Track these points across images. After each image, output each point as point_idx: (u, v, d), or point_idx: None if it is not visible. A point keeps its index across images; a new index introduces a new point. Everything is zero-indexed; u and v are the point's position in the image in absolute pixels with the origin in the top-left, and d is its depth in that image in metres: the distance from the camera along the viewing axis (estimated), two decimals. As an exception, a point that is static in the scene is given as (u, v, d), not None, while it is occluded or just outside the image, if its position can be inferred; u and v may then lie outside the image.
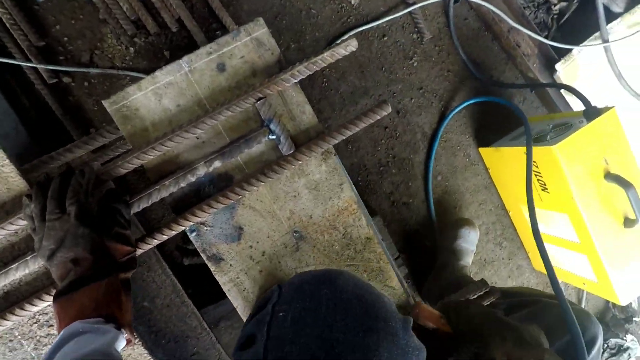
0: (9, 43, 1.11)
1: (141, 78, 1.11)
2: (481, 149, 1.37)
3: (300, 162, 0.83)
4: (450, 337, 0.67)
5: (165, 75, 0.80)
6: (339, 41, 1.14)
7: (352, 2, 1.26)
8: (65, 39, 1.15)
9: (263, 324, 0.51)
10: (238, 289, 0.86)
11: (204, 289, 1.24)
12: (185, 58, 0.80)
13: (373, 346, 0.47)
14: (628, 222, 1.10)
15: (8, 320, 0.74)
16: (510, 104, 1.31)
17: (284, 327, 0.48)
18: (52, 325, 0.79)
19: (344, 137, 0.84)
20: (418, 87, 1.33)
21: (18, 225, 0.73)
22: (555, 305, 0.88)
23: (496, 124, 1.36)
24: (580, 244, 1.17)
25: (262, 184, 0.81)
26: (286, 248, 0.87)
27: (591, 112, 1.10)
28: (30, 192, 0.71)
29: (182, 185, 0.79)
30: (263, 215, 0.85)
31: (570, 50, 1.29)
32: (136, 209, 0.78)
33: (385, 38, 1.30)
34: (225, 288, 0.85)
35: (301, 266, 0.88)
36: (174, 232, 0.79)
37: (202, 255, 0.84)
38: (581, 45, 1.27)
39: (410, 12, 1.29)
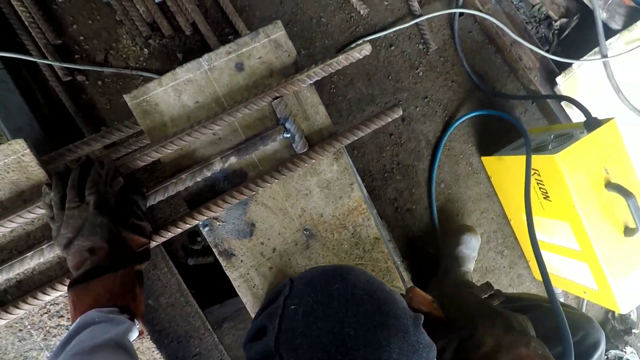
0: (27, 40, 1.14)
1: (154, 79, 1.14)
2: (483, 158, 1.40)
3: (313, 161, 0.85)
4: (442, 322, 0.67)
5: (186, 73, 0.82)
6: (352, 45, 1.18)
7: (361, 12, 1.31)
8: (82, 38, 1.18)
9: (275, 316, 0.51)
10: (248, 285, 0.86)
11: (207, 289, 1.24)
12: (206, 56, 0.82)
13: (384, 342, 0.48)
14: (628, 231, 1.12)
15: (20, 309, 0.74)
16: (511, 118, 1.35)
17: (295, 320, 0.49)
18: (62, 316, 0.79)
19: (356, 138, 0.87)
20: (423, 96, 1.37)
21: (35, 214, 0.74)
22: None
23: (498, 133, 1.40)
24: (582, 252, 1.19)
25: (276, 181, 0.83)
26: (297, 245, 0.88)
27: (592, 123, 1.13)
28: (50, 182, 0.73)
29: (198, 179, 0.80)
30: (275, 213, 0.87)
31: (571, 64, 1.33)
32: (152, 201, 0.79)
33: (393, 48, 1.34)
34: (235, 284, 0.86)
35: (311, 264, 0.89)
36: (188, 225, 0.80)
37: (214, 250, 0.85)
38: (581, 59, 1.31)
39: (417, 24, 1.34)
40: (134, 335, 0.69)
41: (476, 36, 1.40)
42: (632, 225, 1.12)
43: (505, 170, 1.35)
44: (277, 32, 0.85)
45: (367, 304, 0.51)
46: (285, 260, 0.88)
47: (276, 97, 0.82)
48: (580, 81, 1.35)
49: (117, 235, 0.71)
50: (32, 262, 0.75)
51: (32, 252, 0.75)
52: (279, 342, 0.48)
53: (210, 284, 1.27)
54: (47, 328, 0.79)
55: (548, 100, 1.38)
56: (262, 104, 0.82)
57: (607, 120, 1.12)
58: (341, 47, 1.29)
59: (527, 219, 0.99)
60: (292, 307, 0.51)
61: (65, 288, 0.76)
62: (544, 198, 1.22)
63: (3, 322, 0.74)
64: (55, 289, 0.75)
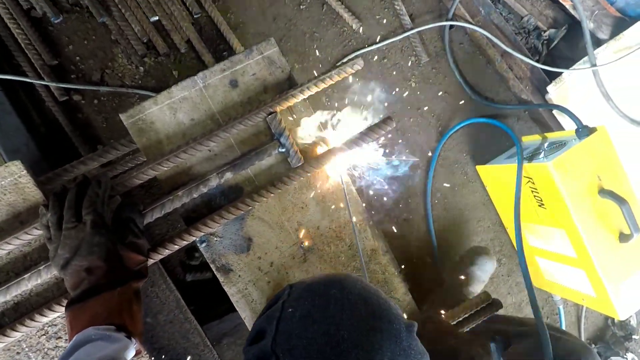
0: (23, 62, 1.15)
1: (150, 96, 1.15)
2: (478, 167, 1.42)
3: (309, 175, 0.86)
4: None
5: (181, 91, 0.83)
6: (344, 60, 1.20)
7: (354, 27, 1.33)
8: (78, 58, 1.19)
9: (273, 319, 0.53)
10: (246, 300, 0.86)
11: (206, 305, 1.24)
12: (200, 74, 0.83)
13: (376, 345, 0.50)
14: (623, 237, 1.13)
15: (17, 332, 0.74)
16: (502, 125, 1.36)
17: (292, 322, 0.50)
18: (60, 338, 0.79)
19: (352, 151, 0.88)
20: (416, 107, 1.38)
21: (32, 235, 0.74)
22: (559, 339, 0.90)
23: (492, 142, 1.41)
24: (578, 258, 1.20)
25: (272, 195, 0.84)
26: (294, 259, 0.88)
27: (583, 131, 1.15)
28: (47, 202, 0.73)
29: (195, 195, 0.81)
30: (272, 227, 0.87)
31: (561, 73, 1.36)
32: (149, 219, 0.79)
33: (385, 60, 1.36)
34: (233, 299, 0.86)
35: (308, 277, 0.89)
36: (185, 242, 0.80)
37: (211, 265, 0.85)
38: (571, 69, 1.33)
39: (408, 37, 1.36)
40: (130, 353, 0.68)
41: (467, 47, 1.42)
42: (626, 231, 1.12)
43: (499, 178, 1.36)
44: (271, 49, 0.86)
45: (361, 309, 0.52)
46: (283, 274, 0.88)
47: (270, 113, 0.83)
48: (571, 90, 1.37)
49: (115, 254, 0.71)
50: (29, 284, 0.75)
51: (29, 274, 0.75)
52: (275, 343, 0.50)
53: (208, 299, 1.26)
54: (45, 350, 0.78)
55: (540, 109, 1.40)
56: (256, 120, 0.83)
57: (598, 127, 1.14)
58: (335, 60, 1.31)
59: (515, 227, 1.01)
60: (290, 310, 0.52)
61: (63, 309, 0.75)
62: (539, 206, 1.23)
63: (1, 345, 0.73)
64: (53, 310, 0.75)
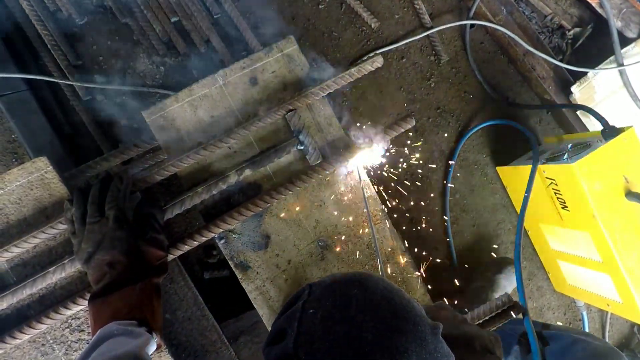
0: (49, 62, 1.18)
1: (169, 95, 1.16)
2: (499, 168, 1.39)
3: (327, 172, 0.85)
4: None
5: (201, 88, 0.84)
6: (364, 58, 1.19)
7: (372, 26, 1.32)
8: (101, 58, 1.22)
9: (293, 319, 0.51)
10: (264, 297, 0.87)
11: (223, 302, 1.24)
12: (221, 72, 0.84)
13: (401, 348, 0.47)
14: (651, 241, 1.09)
15: (43, 324, 0.75)
16: (519, 126, 1.33)
17: (313, 324, 0.49)
18: (83, 330, 0.80)
19: (371, 148, 0.87)
20: (435, 107, 1.37)
21: (57, 230, 0.76)
22: (583, 341, 0.90)
23: (513, 143, 1.38)
24: (603, 263, 1.16)
25: (290, 193, 0.84)
26: (312, 257, 0.88)
27: (609, 132, 1.12)
28: (72, 198, 0.74)
29: (214, 192, 0.81)
30: (289, 224, 0.87)
31: (586, 73, 1.32)
32: (169, 215, 0.80)
33: (404, 60, 1.35)
34: (251, 296, 0.86)
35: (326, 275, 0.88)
36: (204, 238, 0.81)
37: (229, 262, 0.86)
38: (596, 68, 1.30)
39: (428, 36, 1.35)
40: (152, 348, 0.69)
41: (488, 47, 1.40)
42: (656, 234, 1.09)
43: (521, 180, 1.33)
44: (290, 46, 0.87)
45: (384, 310, 0.50)
46: (301, 272, 0.88)
47: (290, 110, 0.83)
48: (596, 90, 1.34)
49: (136, 249, 0.72)
50: (54, 277, 0.77)
51: (54, 267, 0.76)
52: (297, 345, 0.48)
53: (226, 297, 1.27)
54: (69, 342, 0.80)
55: (563, 109, 1.36)
56: (276, 117, 0.83)
57: (626, 128, 1.10)
58: (353, 60, 1.31)
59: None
60: (311, 310, 0.51)
61: (86, 302, 0.77)
62: (562, 208, 1.20)
63: (27, 337, 0.75)
64: (77, 303, 0.76)
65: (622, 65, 1.29)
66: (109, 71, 1.23)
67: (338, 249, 0.88)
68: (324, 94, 0.85)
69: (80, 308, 0.77)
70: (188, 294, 1.12)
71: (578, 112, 1.37)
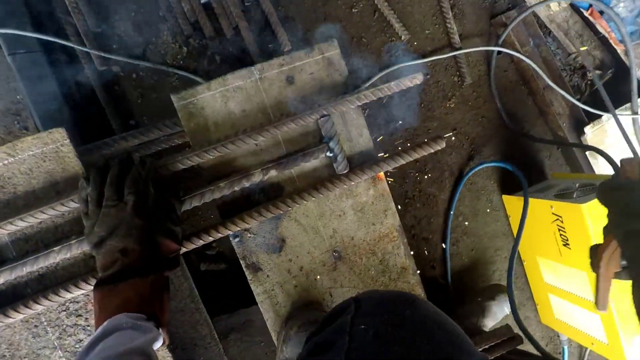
0: (67, 25, 1.12)
1: (190, 78, 1.12)
2: (505, 197, 1.40)
3: (352, 183, 0.84)
4: None
5: (236, 79, 0.81)
6: (391, 69, 1.18)
7: (402, 37, 1.31)
8: (122, 29, 1.17)
9: (343, 332, 0.49)
10: (271, 302, 0.84)
11: (216, 296, 1.21)
12: (258, 66, 0.81)
13: None
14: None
15: (40, 305, 0.71)
16: (511, 168, 1.35)
17: (366, 341, 0.46)
18: (80, 316, 0.77)
19: (397, 165, 0.86)
20: (452, 128, 1.37)
21: (68, 208, 0.72)
22: None
23: (524, 172, 1.40)
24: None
25: (313, 199, 0.82)
26: (324, 266, 0.87)
27: (620, 177, 1.13)
28: (87, 176, 0.71)
29: (236, 189, 0.79)
30: (306, 230, 0.85)
31: (600, 116, 1.35)
32: (187, 206, 0.77)
33: (428, 76, 1.35)
34: (258, 299, 0.84)
35: (336, 286, 0.87)
36: (220, 234, 0.78)
37: (241, 262, 0.83)
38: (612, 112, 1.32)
39: (455, 56, 1.34)
40: (158, 344, 0.66)
41: (511, 76, 1.41)
42: (650, 283, 1.11)
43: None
44: (332, 50, 0.85)
45: (439, 335, 0.49)
46: (311, 280, 0.86)
47: (324, 115, 0.81)
48: (608, 134, 1.36)
49: (152, 239, 0.69)
50: (58, 257, 0.73)
51: (59, 247, 0.72)
52: (349, 358, 0.46)
53: (219, 291, 1.24)
54: (64, 326, 0.76)
55: (573, 148, 1.39)
56: (308, 120, 0.81)
57: (636, 175, 1.12)
58: (379, 69, 1.29)
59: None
60: (362, 326, 0.49)
61: (89, 287, 0.73)
62: (564, 245, 1.21)
63: (21, 316, 0.71)
64: (79, 287, 0.73)
65: (636, 114, 1.32)
66: (129, 44, 1.18)
67: (352, 261, 0.87)
68: (360, 104, 0.83)
69: (81, 292, 0.73)
70: (184, 285, 1.09)
71: (587, 153, 1.40)
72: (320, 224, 0.86)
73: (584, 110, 1.36)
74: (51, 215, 0.72)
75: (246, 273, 0.83)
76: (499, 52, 1.37)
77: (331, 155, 0.83)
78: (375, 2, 1.30)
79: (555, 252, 1.26)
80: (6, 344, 0.74)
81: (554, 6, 1.35)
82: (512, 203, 1.39)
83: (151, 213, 0.70)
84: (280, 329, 0.84)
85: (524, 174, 1.31)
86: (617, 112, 1.34)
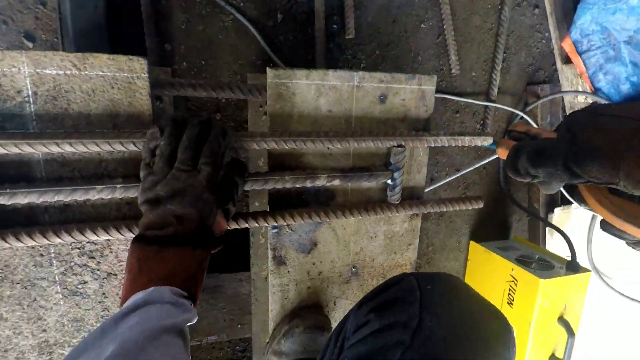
0: None
1: (242, 23, 1.04)
2: (472, 243, 1.54)
3: (397, 214, 0.87)
4: None
5: (335, 79, 0.77)
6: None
7: (452, 71, 1.33)
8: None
9: (412, 290, 0.57)
10: (282, 296, 0.85)
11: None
12: (360, 73, 0.79)
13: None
14: (553, 359, 1.34)
15: (60, 238, 0.64)
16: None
17: (435, 294, 0.55)
18: (93, 258, 0.70)
19: (438, 210, 0.90)
20: (457, 168, 1.45)
21: (125, 149, 0.64)
22: None
23: (495, 228, 1.54)
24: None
25: (360, 217, 0.83)
26: (340, 277, 0.89)
27: (574, 266, 1.32)
28: (161, 125, 0.63)
29: (298, 185, 0.77)
30: (339, 241, 0.87)
31: (572, 203, 1.53)
32: (247, 187, 0.74)
33: (457, 115, 1.40)
34: (272, 289, 0.85)
35: (342, 297, 0.91)
36: (266, 224, 0.77)
37: (269, 252, 0.82)
38: (582, 205, 1.51)
39: (486, 106, 1.41)
40: (191, 323, 0.64)
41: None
42: (559, 355, 1.33)
43: (485, 263, 1.50)
44: (429, 85, 0.84)
45: (477, 296, 0.60)
46: (324, 286, 0.89)
47: (400, 145, 0.82)
48: (571, 219, 1.56)
49: (213, 216, 0.65)
50: (97, 195, 0.65)
51: (102, 186, 0.65)
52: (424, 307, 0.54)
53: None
54: (72, 264, 0.69)
55: (540, 222, 1.56)
56: (385, 144, 0.81)
57: (586, 270, 1.32)
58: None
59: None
60: (428, 287, 0.57)
61: (119, 235, 0.67)
62: (508, 303, 1.39)
63: (33, 243, 0.63)
64: (108, 232, 0.66)
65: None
66: (194, -40, 1.04)
67: (364, 280, 0.91)
68: (432, 145, 0.85)
69: (107, 237, 0.67)
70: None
71: (547, 229, 1.59)
72: (352, 239, 0.88)
73: (561, 193, 1.53)
74: (105, 150, 0.64)
75: (270, 263, 0.83)
76: (521, 117, 1.46)
77: (391, 183, 0.84)
78: (444, 26, 1.30)
79: (498, 305, 1.44)
80: (1, 264, 0.65)
81: (580, 97, 1.47)
82: (476, 250, 1.54)
83: (219, 188, 0.66)
84: (282, 322, 0.86)
85: (497, 230, 1.46)
86: (585, 205, 1.53)
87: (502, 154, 0.73)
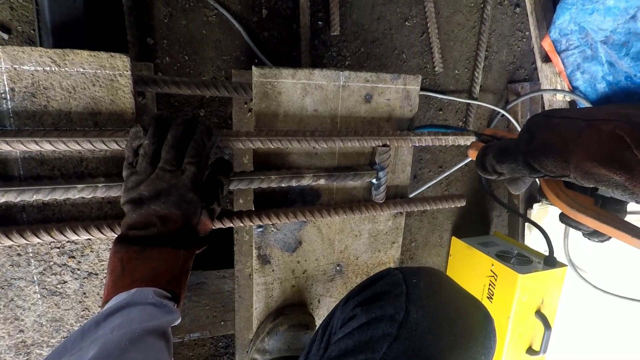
0: None
1: (226, 19, 1.02)
2: (454, 238, 1.57)
3: (382, 213, 0.88)
4: None
5: (321, 78, 0.77)
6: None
7: (436, 69, 1.35)
8: None
9: (399, 284, 0.59)
10: (267, 294, 0.86)
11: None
12: (346, 73, 0.79)
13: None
14: (531, 351, 1.39)
15: (39, 238, 0.63)
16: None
17: (419, 288, 0.57)
18: (73, 257, 0.69)
19: (422, 209, 0.92)
20: (439, 165, 1.47)
21: (107, 147, 0.63)
22: None
23: (476, 226, 1.57)
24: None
25: (345, 216, 0.84)
26: (324, 275, 0.90)
27: (551, 260, 1.36)
28: (143, 123, 0.62)
29: (283, 185, 0.77)
30: (324, 240, 0.87)
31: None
32: (232, 186, 0.73)
33: (440, 112, 1.41)
34: (256, 288, 0.85)
35: (326, 295, 0.92)
36: (251, 223, 0.76)
37: (254, 250, 0.82)
38: (542, 199, 1.55)
39: (468, 103, 1.43)
40: (174, 324, 0.64)
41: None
42: (536, 348, 1.38)
43: (466, 258, 1.53)
44: (414, 85, 0.85)
45: (460, 289, 0.62)
46: (309, 285, 0.89)
47: (386, 145, 0.82)
48: (548, 215, 1.60)
49: (197, 216, 0.65)
50: (77, 195, 0.64)
51: (83, 185, 0.64)
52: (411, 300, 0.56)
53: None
54: (51, 263, 0.68)
55: (520, 217, 1.60)
56: (370, 144, 0.81)
57: (562, 265, 1.36)
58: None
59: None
60: (413, 280, 0.59)
61: (100, 234, 0.66)
62: (488, 297, 1.42)
63: (9, 242, 0.61)
64: (89, 232, 0.65)
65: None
66: (177, -48, 1.01)
67: (348, 278, 0.92)
68: (417, 145, 0.86)
69: (88, 237, 0.66)
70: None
71: (526, 224, 1.63)
72: (337, 238, 0.88)
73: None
74: (85, 149, 0.62)
75: (254, 262, 0.83)
76: (502, 115, 1.49)
77: (375, 182, 0.85)
78: (428, 24, 1.31)
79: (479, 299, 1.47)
80: (-24, 266, 0.64)
81: (559, 95, 1.50)
82: (457, 246, 1.57)
83: (204, 189, 0.66)
84: (266, 320, 0.86)
85: (478, 227, 1.49)
86: (562, 202, 1.58)
87: (472, 155, 0.75)
